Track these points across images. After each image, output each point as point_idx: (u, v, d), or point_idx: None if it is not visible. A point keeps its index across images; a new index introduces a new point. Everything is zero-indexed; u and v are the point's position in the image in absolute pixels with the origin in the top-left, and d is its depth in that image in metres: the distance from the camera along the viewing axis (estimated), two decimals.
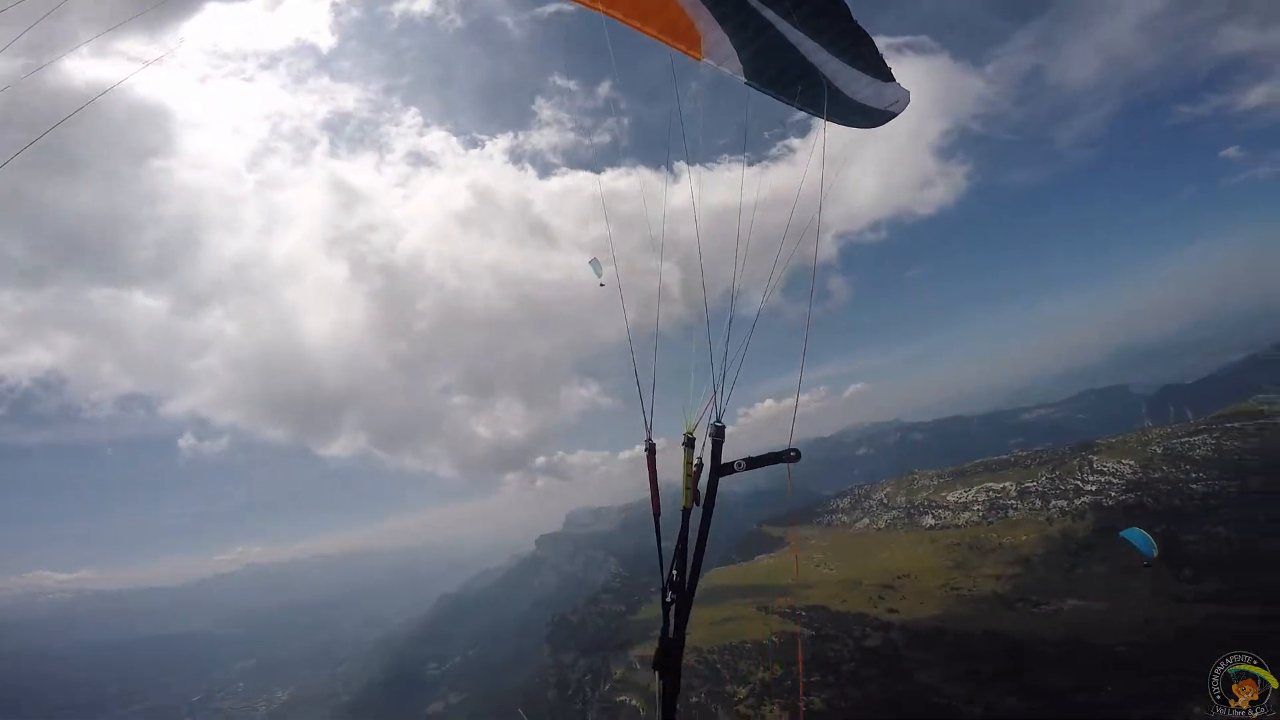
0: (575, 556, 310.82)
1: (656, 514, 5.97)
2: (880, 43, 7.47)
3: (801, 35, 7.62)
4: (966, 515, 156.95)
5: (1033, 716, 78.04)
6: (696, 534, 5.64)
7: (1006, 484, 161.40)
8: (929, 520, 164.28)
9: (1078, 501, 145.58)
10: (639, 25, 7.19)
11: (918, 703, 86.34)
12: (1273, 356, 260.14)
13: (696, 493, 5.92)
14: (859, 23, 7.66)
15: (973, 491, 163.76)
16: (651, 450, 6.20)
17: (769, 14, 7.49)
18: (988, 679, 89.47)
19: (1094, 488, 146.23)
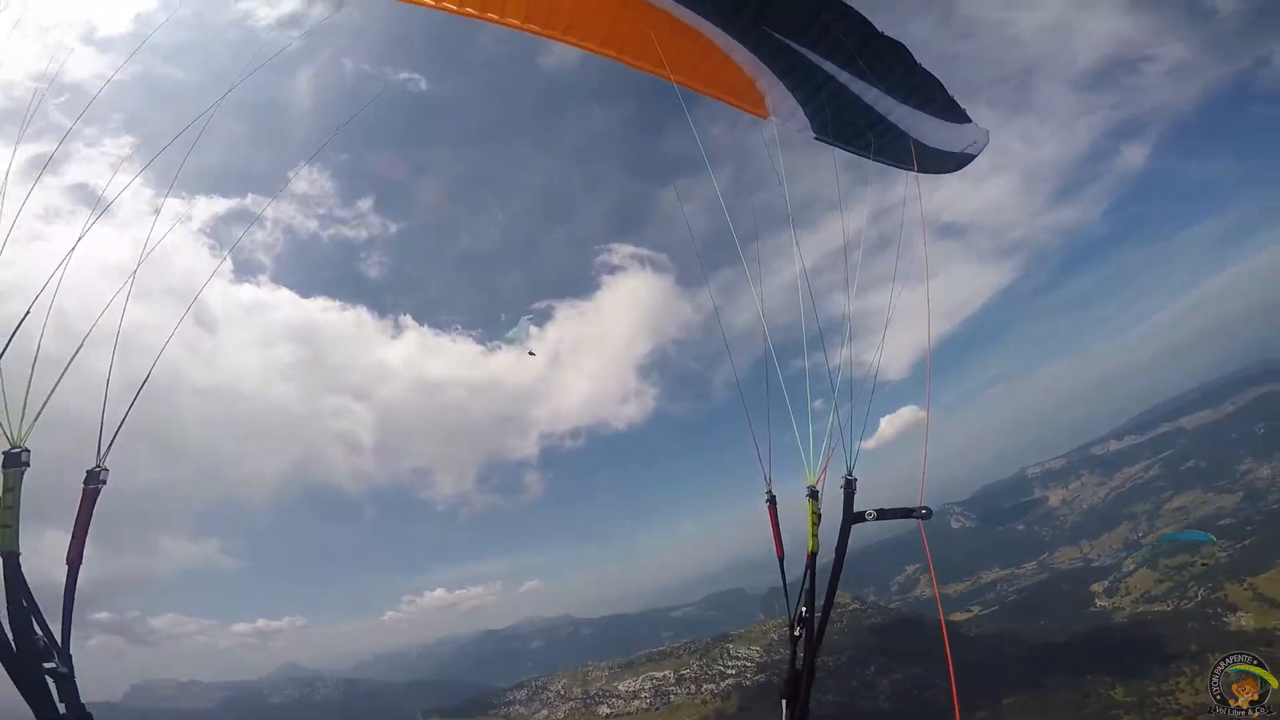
0: None
1: (781, 558, 6.57)
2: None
3: (865, 84, 7.57)
4: (637, 703, 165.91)
5: None
6: (816, 573, 6.27)
7: (666, 672, 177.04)
8: (605, 709, 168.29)
9: (723, 684, 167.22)
10: (702, 89, 7.14)
11: None
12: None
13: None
14: (925, 66, 7.67)
15: (639, 680, 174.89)
16: (772, 501, 6.67)
17: (830, 66, 7.42)
18: None
19: (734, 671, 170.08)
